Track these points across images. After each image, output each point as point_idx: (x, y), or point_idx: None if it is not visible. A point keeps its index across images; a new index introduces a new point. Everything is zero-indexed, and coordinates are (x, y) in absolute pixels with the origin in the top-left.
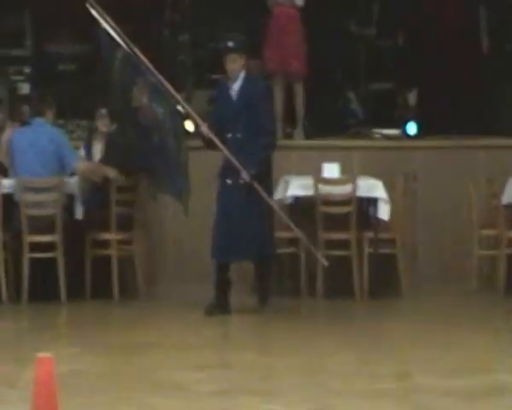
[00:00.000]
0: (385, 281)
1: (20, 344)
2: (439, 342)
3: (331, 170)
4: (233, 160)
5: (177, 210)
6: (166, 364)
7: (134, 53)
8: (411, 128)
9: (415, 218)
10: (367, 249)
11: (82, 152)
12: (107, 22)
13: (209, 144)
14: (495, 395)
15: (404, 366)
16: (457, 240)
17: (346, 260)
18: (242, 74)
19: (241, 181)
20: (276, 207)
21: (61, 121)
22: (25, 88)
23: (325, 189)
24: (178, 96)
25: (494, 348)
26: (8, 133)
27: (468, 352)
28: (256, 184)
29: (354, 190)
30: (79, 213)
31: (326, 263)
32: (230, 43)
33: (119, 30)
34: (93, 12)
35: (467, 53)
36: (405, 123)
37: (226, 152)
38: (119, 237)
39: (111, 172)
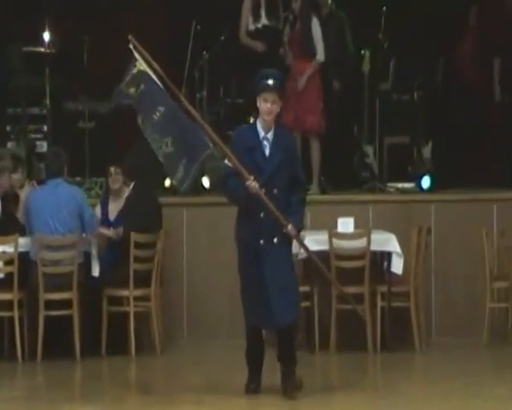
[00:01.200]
0: (398, 334)
1: (36, 401)
2: (452, 397)
3: (346, 224)
4: (279, 215)
5: (193, 266)
6: None
7: (179, 100)
8: (425, 182)
9: (428, 271)
10: (380, 303)
11: (98, 209)
12: (151, 66)
13: (238, 200)
14: None
15: None
16: (471, 293)
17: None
18: (273, 124)
19: (277, 239)
20: (318, 261)
21: (78, 179)
22: (43, 146)
23: (339, 243)
24: (228, 151)
25: (508, 399)
26: (25, 192)
27: (481, 404)
28: (301, 239)
29: (368, 244)
30: (96, 270)
31: (366, 319)
32: (271, 81)
33: (163, 74)
34: (136, 53)
35: (481, 106)
36: (420, 177)
37: (273, 208)
38: (137, 293)
39: (108, 233)
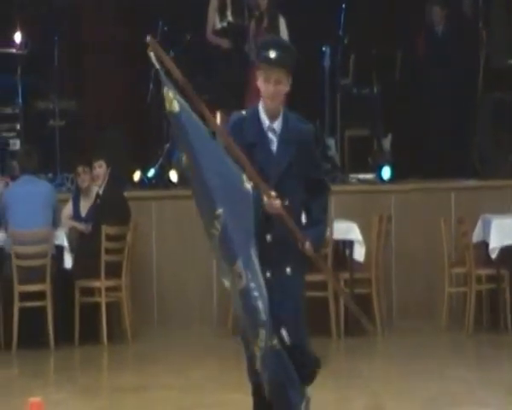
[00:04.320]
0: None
1: (11, 390)
2: (411, 376)
3: None
4: (297, 231)
5: (162, 256)
6: (153, 406)
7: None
8: (386, 172)
9: (389, 258)
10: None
11: (70, 205)
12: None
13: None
14: None
15: (378, 399)
16: (430, 278)
17: (322, 300)
18: (282, 109)
19: (290, 270)
20: (340, 286)
21: (50, 175)
22: (16, 144)
23: None
24: (246, 161)
25: (465, 381)
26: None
27: (440, 386)
28: (319, 259)
29: (331, 233)
30: (68, 262)
31: (372, 328)
32: (273, 53)
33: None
34: (155, 61)
35: (437, 99)
36: (380, 168)
37: (294, 227)
38: (108, 284)
39: (80, 226)
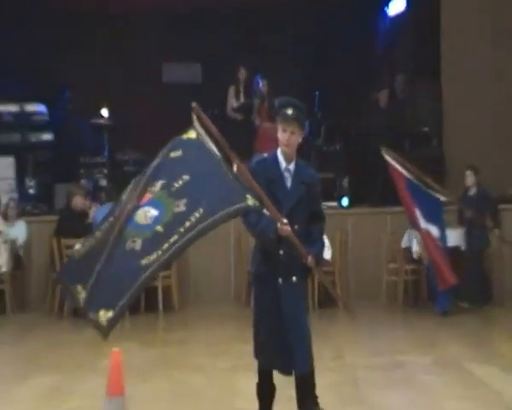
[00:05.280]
0: (328, 298)
1: (98, 343)
2: (363, 335)
3: None
4: (302, 249)
5: (194, 252)
6: (191, 353)
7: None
8: (344, 201)
9: (346, 259)
10: (317, 277)
11: None
12: (211, 135)
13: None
14: (397, 367)
15: (340, 351)
16: (374, 271)
17: None
18: (295, 156)
19: (295, 278)
20: (330, 286)
21: None
22: (103, 182)
23: None
24: (263, 194)
25: (397, 337)
26: (92, 211)
27: (382, 337)
28: (319, 270)
29: None
30: None
31: (354, 318)
32: (290, 111)
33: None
34: (197, 124)
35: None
36: (341, 198)
37: (300, 246)
38: (164, 273)
39: None
